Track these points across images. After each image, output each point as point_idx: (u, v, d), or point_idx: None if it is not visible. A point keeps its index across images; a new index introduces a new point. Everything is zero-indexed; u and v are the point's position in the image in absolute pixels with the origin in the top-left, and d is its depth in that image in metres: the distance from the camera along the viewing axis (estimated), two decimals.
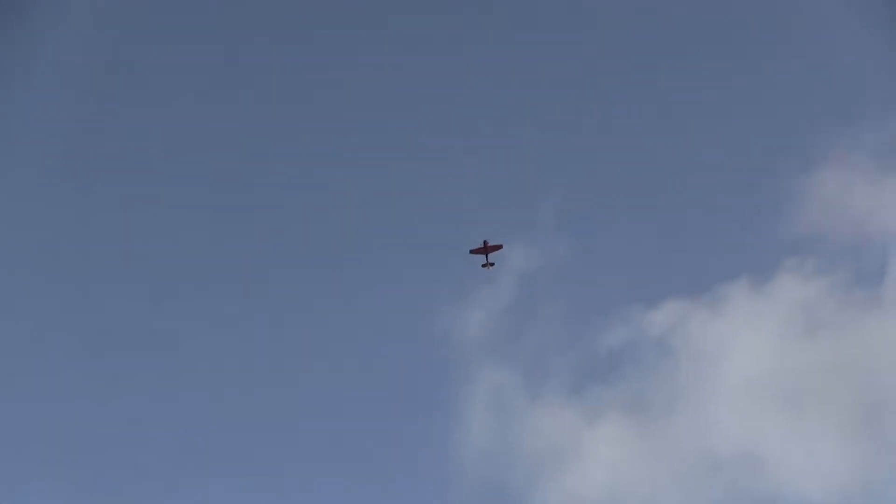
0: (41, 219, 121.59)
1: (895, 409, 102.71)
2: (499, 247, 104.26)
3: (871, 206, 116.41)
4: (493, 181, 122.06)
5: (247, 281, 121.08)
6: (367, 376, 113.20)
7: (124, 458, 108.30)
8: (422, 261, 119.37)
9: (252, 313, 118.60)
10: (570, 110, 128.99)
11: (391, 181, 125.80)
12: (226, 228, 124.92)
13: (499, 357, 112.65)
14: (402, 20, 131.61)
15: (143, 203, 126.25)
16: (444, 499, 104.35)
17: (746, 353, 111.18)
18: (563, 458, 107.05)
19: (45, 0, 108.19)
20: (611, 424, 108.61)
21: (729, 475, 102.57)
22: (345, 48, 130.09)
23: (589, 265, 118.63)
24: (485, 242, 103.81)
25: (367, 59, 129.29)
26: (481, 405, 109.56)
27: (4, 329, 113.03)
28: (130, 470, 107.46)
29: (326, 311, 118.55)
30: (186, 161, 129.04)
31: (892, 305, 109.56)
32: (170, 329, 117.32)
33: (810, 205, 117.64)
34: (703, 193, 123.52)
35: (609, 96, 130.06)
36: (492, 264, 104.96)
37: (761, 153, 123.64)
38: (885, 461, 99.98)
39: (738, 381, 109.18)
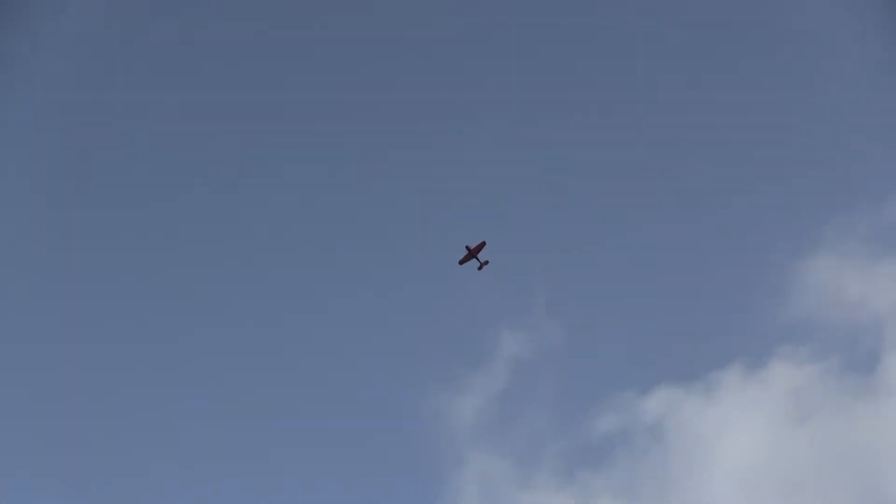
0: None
1: (890, 497, 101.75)
2: (482, 244, 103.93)
3: (864, 291, 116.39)
4: (486, 269, 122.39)
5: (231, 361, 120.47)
6: (355, 460, 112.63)
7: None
8: (415, 346, 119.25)
9: (242, 382, 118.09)
10: (564, 196, 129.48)
11: (389, 267, 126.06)
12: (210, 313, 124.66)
13: (490, 443, 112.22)
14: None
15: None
16: None
17: (739, 440, 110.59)
18: None
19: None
20: None
21: None
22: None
23: (582, 351, 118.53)
24: (468, 248, 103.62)
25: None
26: (472, 492, 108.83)
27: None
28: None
29: (316, 390, 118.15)
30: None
31: (885, 392, 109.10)
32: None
33: (804, 291, 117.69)
34: (697, 279, 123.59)
35: (601, 185, 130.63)
36: (486, 262, 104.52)
37: (755, 239, 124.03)
38: None
39: (731, 468, 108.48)
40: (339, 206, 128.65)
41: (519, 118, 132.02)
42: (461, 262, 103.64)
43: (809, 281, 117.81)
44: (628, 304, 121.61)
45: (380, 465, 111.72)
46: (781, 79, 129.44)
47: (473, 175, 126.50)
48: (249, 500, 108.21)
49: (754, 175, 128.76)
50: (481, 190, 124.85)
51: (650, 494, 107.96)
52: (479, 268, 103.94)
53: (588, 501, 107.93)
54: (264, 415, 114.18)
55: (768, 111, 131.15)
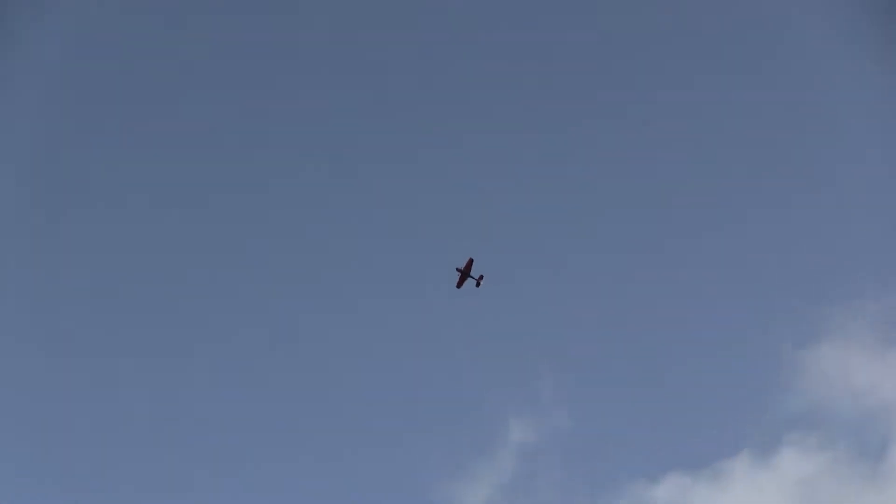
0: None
1: None
2: (470, 262, 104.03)
3: (872, 378, 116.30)
4: (493, 355, 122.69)
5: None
6: None
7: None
8: (421, 433, 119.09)
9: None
10: (574, 286, 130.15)
11: (394, 351, 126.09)
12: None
13: None
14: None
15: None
16: None
17: None
18: None
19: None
20: None
21: None
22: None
23: (590, 439, 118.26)
24: (458, 270, 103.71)
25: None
26: None
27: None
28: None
29: (319, 477, 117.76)
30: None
31: (894, 479, 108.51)
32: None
33: (811, 378, 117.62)
34: (704, 367, 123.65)
35: (610, 272, 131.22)
36: (481, 277, 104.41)
37: (761, 326, 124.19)
38: None
39: None
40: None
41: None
42: (458, 286, 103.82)
43: (816, 368, 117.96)
44: (636, 393, 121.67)
45: None
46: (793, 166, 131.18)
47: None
48: None
49: (760, 260, 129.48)
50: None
51: None
52: (477, 284, 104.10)
53: None
54: (271, 489, 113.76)
55: (773, 196, 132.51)
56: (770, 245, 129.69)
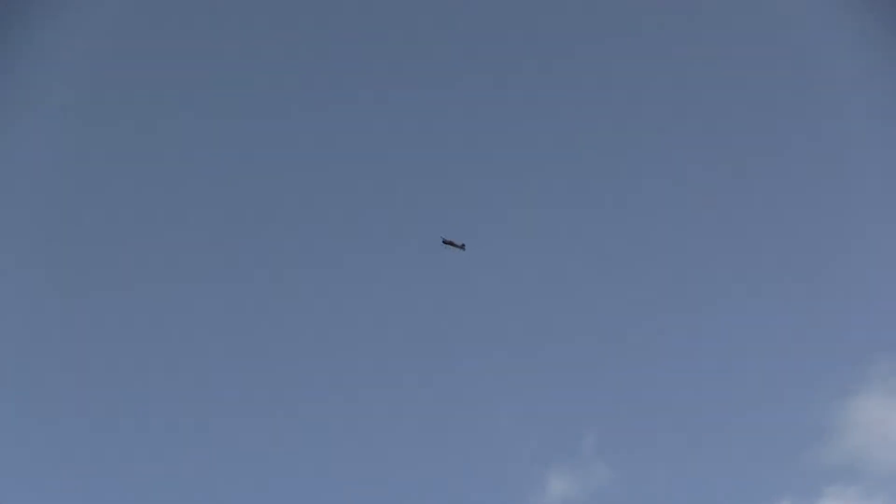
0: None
1: None
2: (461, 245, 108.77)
3: None
4: (535, 409, 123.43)
5: None
6: None
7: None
8: (461, 489, 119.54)
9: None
10: (614, 342, 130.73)
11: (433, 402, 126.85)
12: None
13: None
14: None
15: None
16: None
17: None
18: None
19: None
20: None
21: None
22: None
23: (631, 492, 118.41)
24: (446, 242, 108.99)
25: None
26: None
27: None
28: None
29: None
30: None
31: None
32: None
33: (851, 430, 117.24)
34: (745, 417, 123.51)
35: (651, 326, 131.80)
36: (462, 245, 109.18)
37: (801, 377, 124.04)
38: None
39: None
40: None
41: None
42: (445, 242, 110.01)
43: (858, 420, 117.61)
44: (676, 446, 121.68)
45: None
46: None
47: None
48: None
49: (802, 311, 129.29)
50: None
51: None
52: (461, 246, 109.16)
53: None
54: None
55: (817, 247, 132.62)
56: (812, 296, 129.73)
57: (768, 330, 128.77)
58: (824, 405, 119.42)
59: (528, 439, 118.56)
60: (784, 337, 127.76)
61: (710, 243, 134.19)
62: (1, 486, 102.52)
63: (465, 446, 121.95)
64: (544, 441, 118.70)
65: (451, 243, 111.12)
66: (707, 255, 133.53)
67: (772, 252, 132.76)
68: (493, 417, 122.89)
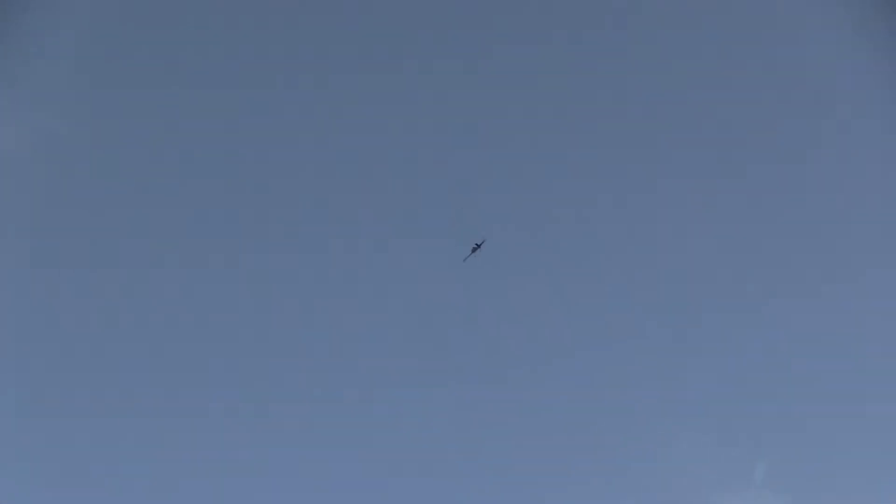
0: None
1: None
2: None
3: None
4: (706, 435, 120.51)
5: None
6: None
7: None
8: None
9: None
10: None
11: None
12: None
13: None
14: None
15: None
16: None
17: None
18: None
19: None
20: None
21: None
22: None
23: None
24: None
25: None
26: None
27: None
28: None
29: None
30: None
31: None
32: None
33: None
34: None
35: None
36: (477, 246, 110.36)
37: None
38: None
39: None
40: None
41: None
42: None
43: None
44: (852, 471, 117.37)
45: None
46: None
47: None
48: None
49: None
50: None
51: None
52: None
53: None
54: None
55: None
56: None
57: None
58: None
59: (699, 466, 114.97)
60: None
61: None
62: None
63: (637, 475, 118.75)
64: (716, 468, 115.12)
65: (476, 248, 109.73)
66: None
67: None
68: (665, 444, 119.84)
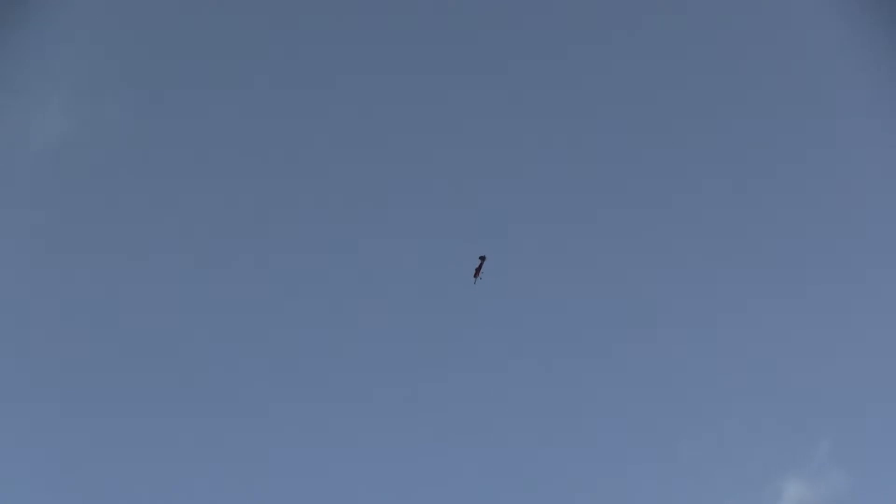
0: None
1: None
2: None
3: None
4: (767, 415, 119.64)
5: None
6: None
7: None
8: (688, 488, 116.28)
9: None
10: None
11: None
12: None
13: None
14: None
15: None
16: None
17: None
18: None
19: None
20: None
21: None
22: None
23: (869, 502, 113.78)
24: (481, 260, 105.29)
25: None
26: None
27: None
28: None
29: None
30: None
31: None
32: None
33: None
34: None
35: None
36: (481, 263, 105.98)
37: None
38: None
39: None
40: None
41: None
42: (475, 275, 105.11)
43: None
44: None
45: None
46: None
47: None
48: None
49: None
50: None
51: None
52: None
53: None
54: None
55: None
56: None
57: None
58: None
59: (760, 447, 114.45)
60: None
61: None
62: None
63: (698, 456, 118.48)
64: (778, 448, 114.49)
65: (479, 266, 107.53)
66: None
67: None
68: (724, 425, 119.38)
